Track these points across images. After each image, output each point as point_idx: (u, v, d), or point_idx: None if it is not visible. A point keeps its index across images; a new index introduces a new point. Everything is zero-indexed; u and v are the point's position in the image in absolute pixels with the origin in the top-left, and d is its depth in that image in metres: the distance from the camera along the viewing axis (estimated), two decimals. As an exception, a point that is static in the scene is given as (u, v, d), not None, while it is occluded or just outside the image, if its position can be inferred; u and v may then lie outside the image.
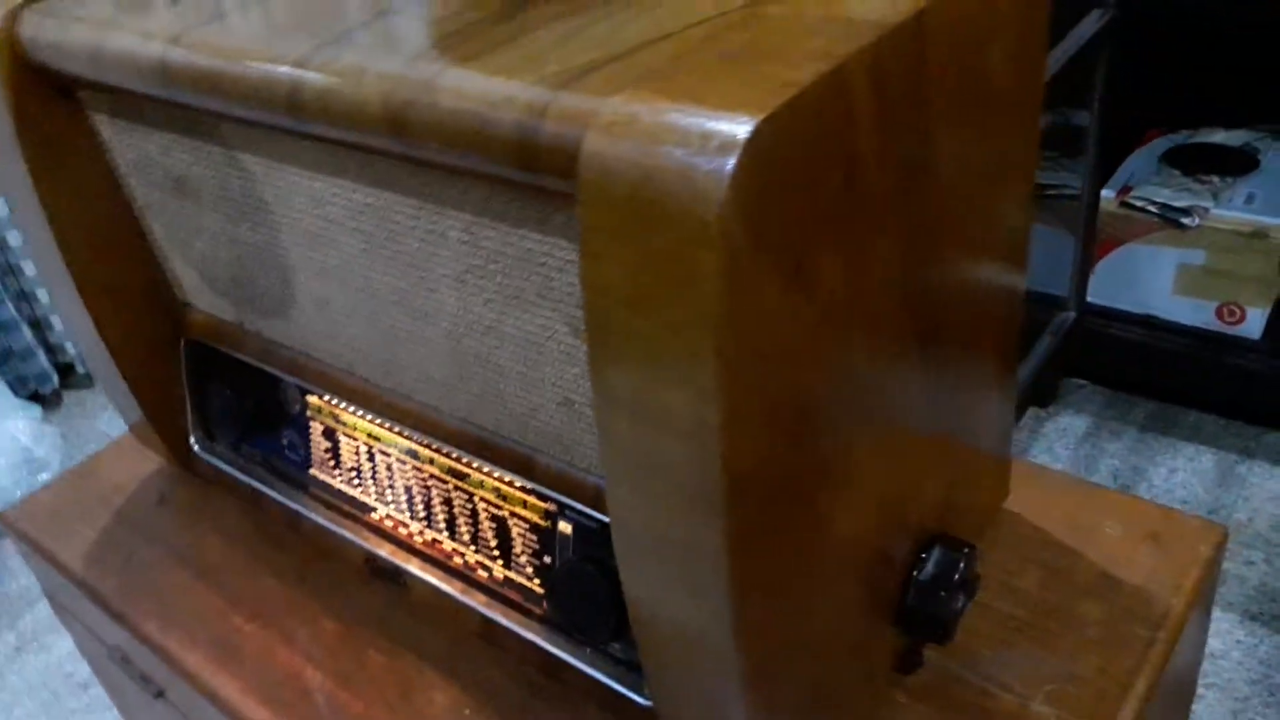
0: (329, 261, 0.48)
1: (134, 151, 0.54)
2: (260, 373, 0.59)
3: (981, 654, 0.50)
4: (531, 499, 0.48)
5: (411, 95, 0.35)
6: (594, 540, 0.46)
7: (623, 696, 0.46)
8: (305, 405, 0.58)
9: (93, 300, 0.58)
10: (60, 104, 0.54)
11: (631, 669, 0.46)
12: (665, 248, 0.28)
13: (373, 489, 0.56)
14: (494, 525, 0.50)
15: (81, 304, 0.58)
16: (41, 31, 0.49)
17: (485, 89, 0.33)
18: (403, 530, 0.55)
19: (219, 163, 0.49)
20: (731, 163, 0.27)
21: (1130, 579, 0.53)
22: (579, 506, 0.46)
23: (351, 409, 0.54)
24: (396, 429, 0.52)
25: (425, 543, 0.55)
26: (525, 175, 0.33)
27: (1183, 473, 1.38)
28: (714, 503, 0.31)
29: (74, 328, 0.61)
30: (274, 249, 0.50)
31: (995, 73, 0.40)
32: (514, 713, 0.51)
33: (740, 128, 0.27)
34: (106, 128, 0.54)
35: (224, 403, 0.62)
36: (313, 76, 0.38)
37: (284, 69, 0.38)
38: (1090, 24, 1.19)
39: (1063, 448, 1.47)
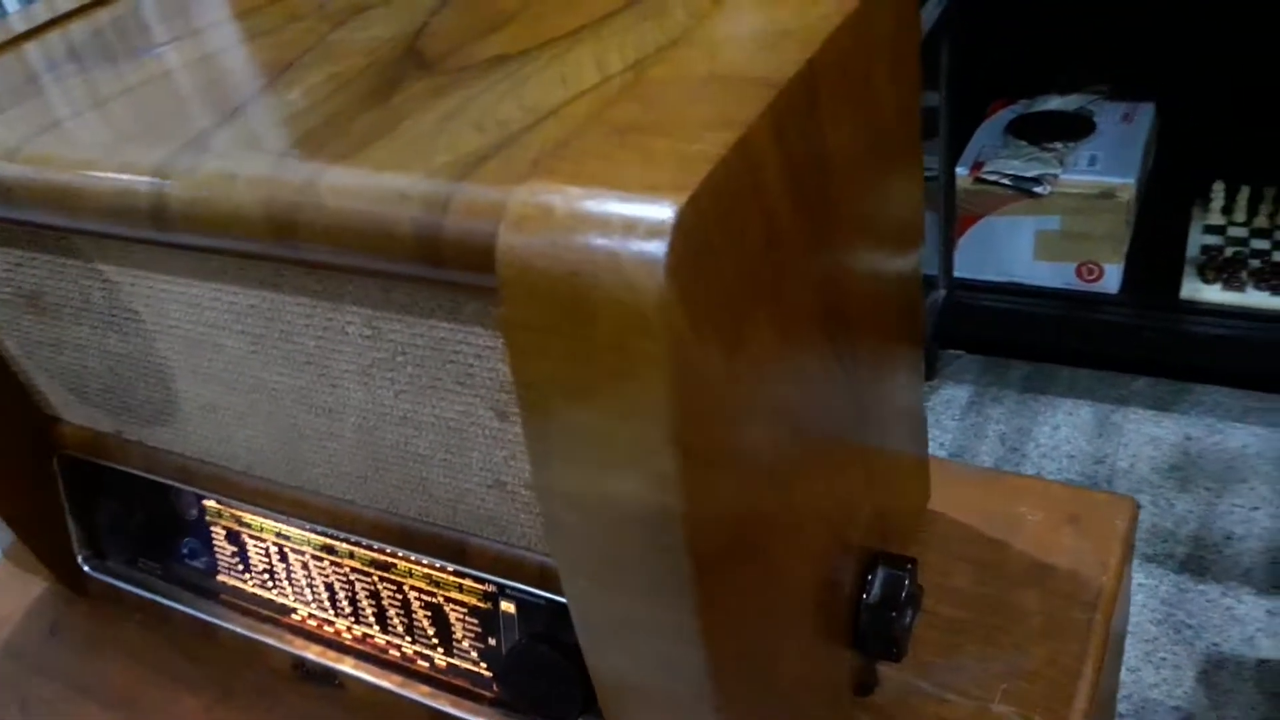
0: (213, 366, 0.45)
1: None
2: (148, 482, 0.55)
3: (933, 663, 0.50)
4: (467, 582, 0.46)
5: (295, 199, 0.32)
6: (541, 617, 0.44)
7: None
8: (203, 510, 0.54)
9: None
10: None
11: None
12: (603, 340, 0.27)
13: (290, 589, 0.53)
14: (429, 614, 0.48)
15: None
16: None
17: (376, 186, 0.31)
18: (329, 629, 0.53)
19: (77, 276, 0.46)
20: (663, 249, 0.26)
21: (1059, 563, 0.54)
22: (520, 585, 0.44)
23: (255, 511, 0.51)
24: (308, 527, 0.50)
25: (356, 638, 0.52)
26: (429, 271, 0.31)
27: (1065, 428, 1.44)
28: (682, 586, 0.30)
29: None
30: (149, 357, 0.47)
31: (880, 95, 0.40)
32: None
33: (664, 211, 0.26)
34: None
35: (111, 517, 0.58)
36: (177, 186, 0.35)
37: (144, 179, 0.36)
38: (932, 9, 1.23)
39: (950, 419, 1.51)
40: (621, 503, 0.30)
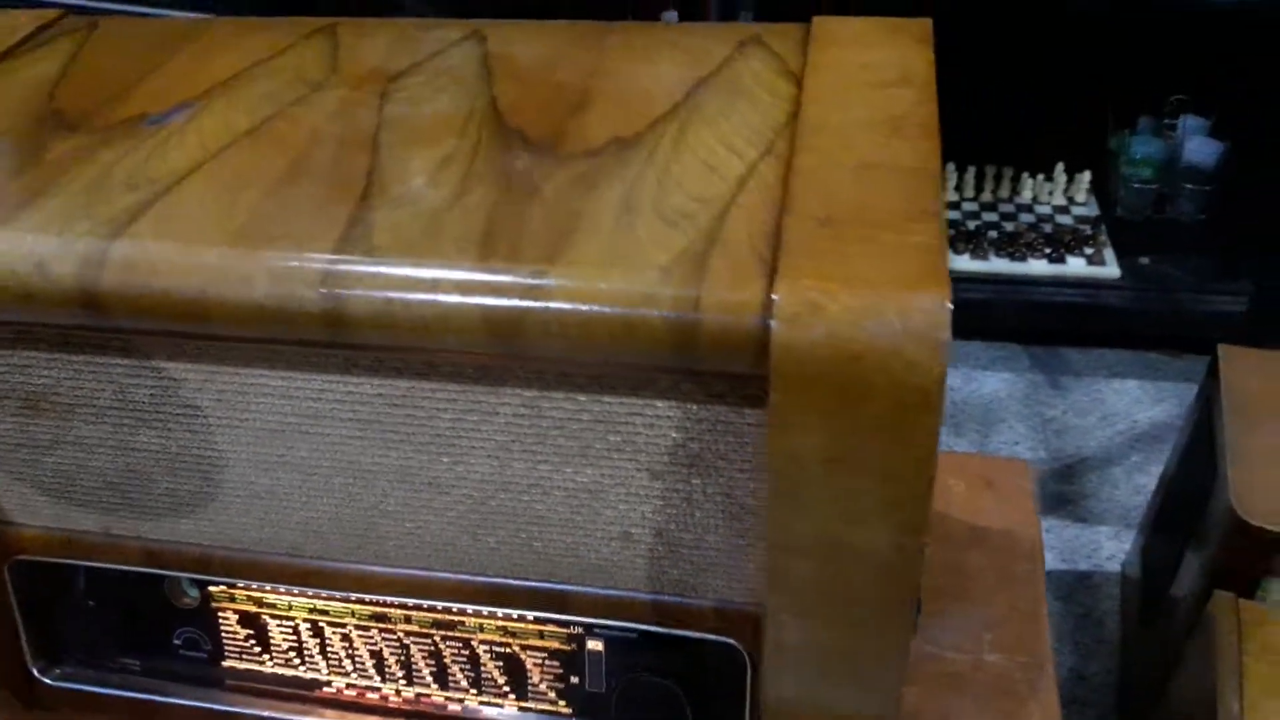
0: (291, 454, 0.43)
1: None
2: (135, 577, 0.51)
3: (924, 625, 0.59)
4: (550, 627, 0.48)
5: (521, 304, 0.34)
6: (637, 650, 0.47)
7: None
8: (207, 597, 0.52)
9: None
10: None
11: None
12: (877, 414, 0.32)
13: (323, 664, 0.52)
14: (500, 664, 0.50)
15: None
16: None
17: (614, 289, 0.33)
18: (372, 695, 0.52)
19: (115, 375, 0.42)
20: (943, 334, 0.31)
21: (990, 524, 0.64)
22: (620, 623, 0.47)
23: (288, 590, 0.50)
24: (363, 599, 0.49)
25: (407, 700, 0.52)
26: (675, 361, 0.34)
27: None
28: (899, 615, 0.36)
29: None
30: (192, 451, 0.45)
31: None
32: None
33: (936, 301, 0.31)
34: None
35: (83, 618, 0.53)
36: (358, 295, 0.35)
37: (311, 292, 0.35)
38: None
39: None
40: (863, 549, 0.34)
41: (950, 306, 0.31)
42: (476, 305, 0.34)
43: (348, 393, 0.40)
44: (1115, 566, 1.22)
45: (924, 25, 0.46)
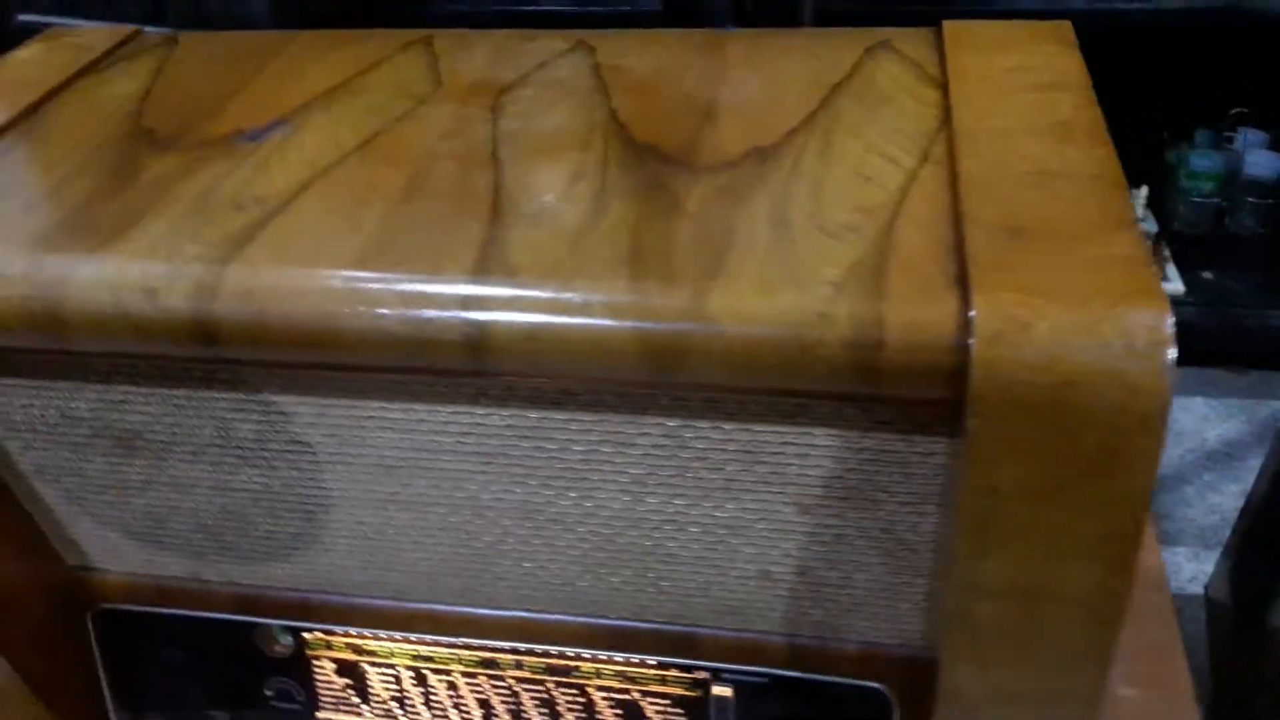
0: (408, 491, 0.41)
1: (30, 413, 0.42)
2: (225, 624, 0.48)
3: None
4: (673, 672, 0.45)
5: (682, 327, 0.31)
6: (769, 696, 0.44)
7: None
8: (302, 645, 0.49)
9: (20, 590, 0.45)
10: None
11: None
12: (1095, 444, 0.28)
13: (425, 715, 0.49)
14: (619, 711, 0.47)
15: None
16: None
17: (782, 308, 0.30)
18: (478, 746, 0.49)
19: (218, 411, 0.40)
20: (1168, 354, 0.27)
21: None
22: (750, 668, 0.44)
23: (388, 636, 0.47)
24: (471, 644, 0.46)
25: (514, 752, 0.49)
26: (852, 386, 0.31)
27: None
28: (1099, 663, 0.32)
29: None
30: (297, 490, 0.42)
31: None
32: None
33: (1158, 319, 0.28)
34: None
35: (168, 669, 0.50)
36: (502, 320, 0.32)
37: (455, 315, 0.32)
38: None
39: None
40: (1064, 592, 0.31)
41: (1173, 323, 0.28)
42: (632, 329, 0.31)
43: (474, 424, 0.38)
44: (1197, 589, 1.18)
45: (1065, 27, 0.43)
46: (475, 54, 0.47)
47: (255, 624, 0.48)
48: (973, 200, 0.33)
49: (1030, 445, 0.29)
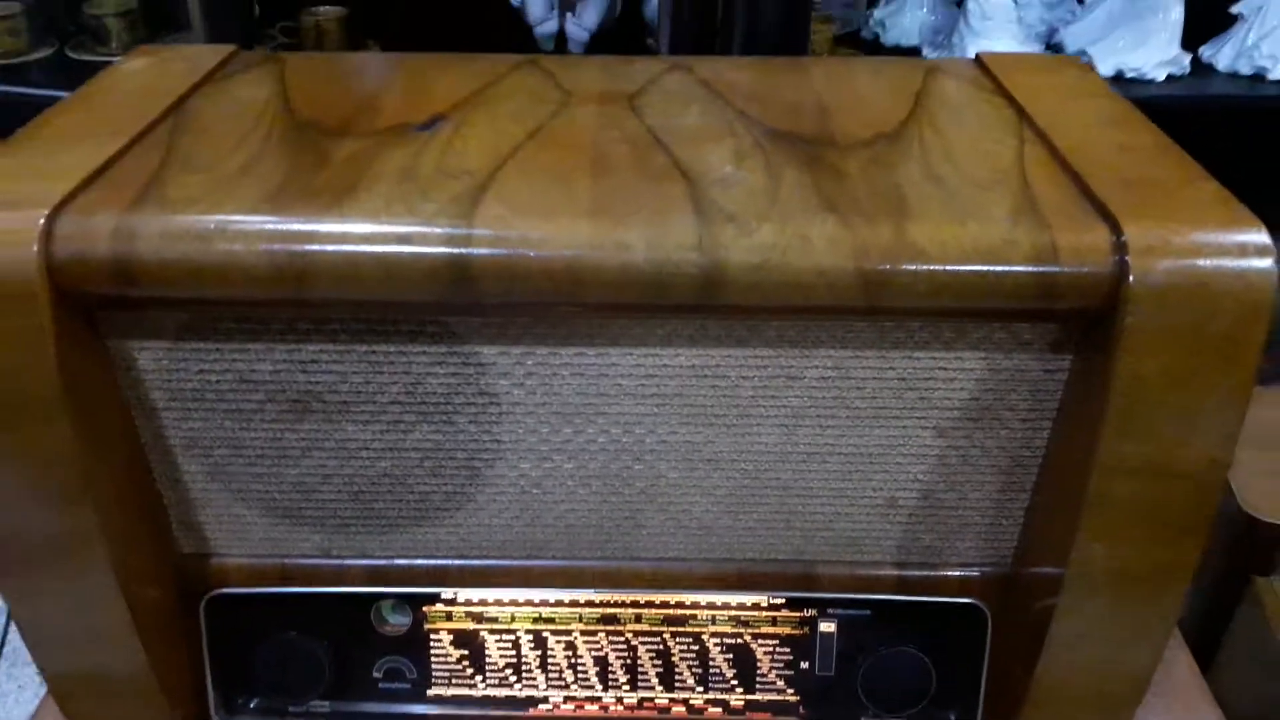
0: (579, 438, 0.45)
1: (204, 379, 0.43)
2: (342, 605, 0.50)
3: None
4: (783, 613, 0.50)
5: (889, 255, 0.37)
6: (869, 627, 0.50)
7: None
8: (420, 620, 0.51)
9: (130, 581, 0.45)
10: (88, 337, 0.42)
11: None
12: (1220, 332, 0.37)
13: (541, 679, 0.52)
14: (730, 656, 0.51)
15: (117, 591, 0.44)
16: (134, 243, 0.38)
17: (976, 238, 0.38)
18: (591, 706, 0.52)
19: (416, 366, 0.43)
20: (1272, 264, 0.36)
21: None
22: (849, 597, 0.49)
23: (510, 600, 0.50)
24: (587, 599, 0.50)
25: (628, 707, 0.52)
26: (1033, 301, 0.38)
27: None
28: (1201, 533, 0.40)
29: (90, 631, 0.46)
30: (468, 445, 0.45)
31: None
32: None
33: (1264, 238, 0.37)
34: (150, 356, 0.43)
35: (276, 657, 0.51)
36: (733, 254, 0.38)
37: (689, 255, 0.38)
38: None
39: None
40: (1184, 468, 0.39)
41: (1271, 241, 0.37)
42: (850, 258, 0.38)
43: (660, 366, 0.43)
44: None
45: (1078, 60, 0.54)
46: (584, 72, 0.53)
47: (376, 600, 0.50)
48: (1080, 164, 0.42)
49: (1171, 337, 0.37)
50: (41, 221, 0.38)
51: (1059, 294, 0.38)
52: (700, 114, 0.48)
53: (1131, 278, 0.37)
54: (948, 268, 0.37)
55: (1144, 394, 0.38)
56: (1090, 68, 0.52)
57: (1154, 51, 1.24)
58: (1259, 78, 1.26)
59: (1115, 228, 0.37)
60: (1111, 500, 0.40)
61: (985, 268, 0.37)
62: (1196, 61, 1.30)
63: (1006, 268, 0.37)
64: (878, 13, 1.37)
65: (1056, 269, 0.37)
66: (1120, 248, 0.37)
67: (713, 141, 0.45)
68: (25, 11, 1.35)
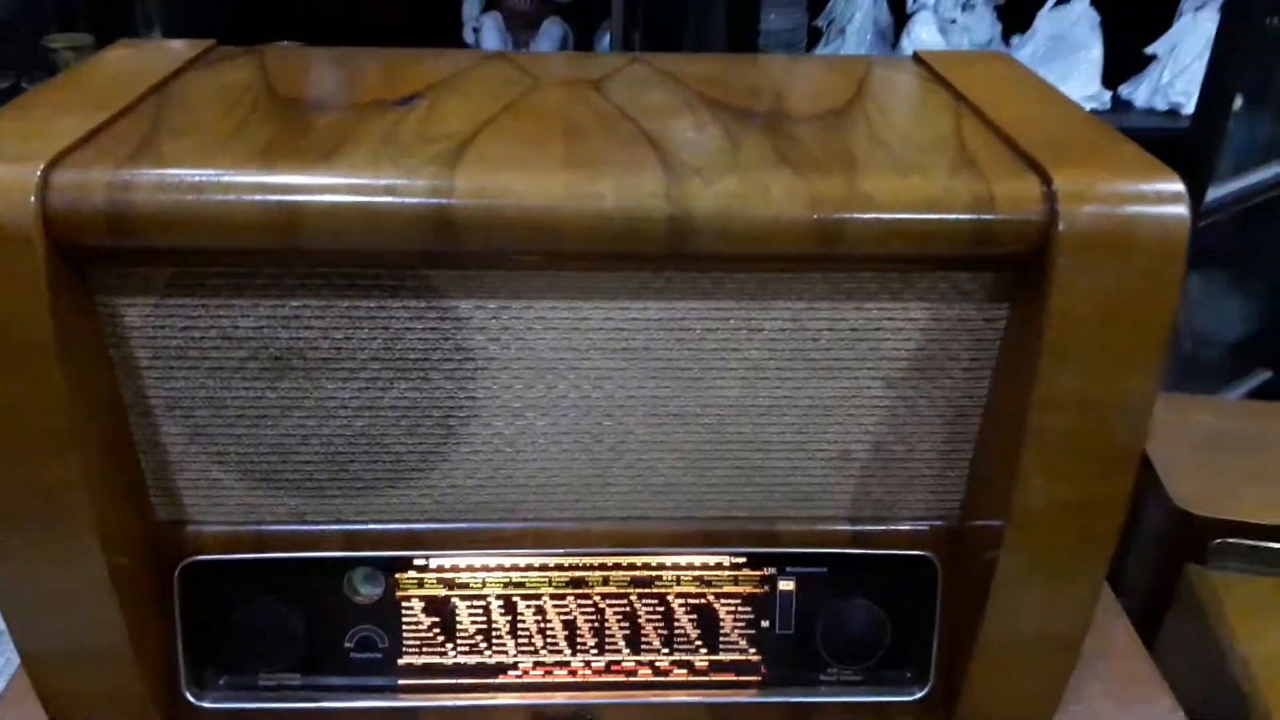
0: (551, 394, 0.47)
1: (189, 336, 0.45)
2: (317, 572, 0.51)
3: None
4: (744, 572, 0.52)
5: (841, 204, 0.41)
6: (827, 582, 0.52)
7: (881, 703, 0.53)
8: (392, 587, 0.52)
9: (108, 547, 0.46)
10: (79, 292, 0.43)
11: (883, 675, 0.53)
12: (1142, 269, 0.40)
13: (511, 645, 0.53)
14: (694, 617, 0.53)
15: (99, 552, 0.45)
16: (126, 195, 0.40)
17: (917, 189, 0.41)
18: (560, 671, 0.54)
19: (396, 321, 0.45)
20: (1184, 208, 0.40)
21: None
22: (808, 551, 0.51)
23: (481, 566, 0.52)
24: (557, 564, 0.52)
25: (596, 671, 0.54)
26: (970, 247, 0.42)
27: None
28: (1129, 453, 0.44)
29: (63, 595, 0.46)
30: (444, 403, 0.47)
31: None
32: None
33: (1179, 185, 0.41)
34: (137, 312, 0.44)
35: (248, 627, 0.52)
36: (701, 204, 0.41)
37: (661, 203, 0.41)
38: None
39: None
40: (1114, 399, 0.42)
41: (1185, 189, 0.41)
42: (804, 206, 0.41)
43: (630, 320, 0.45)
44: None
45: (1005, 55, 0.58)
46: (551, 63, 0.57)
47: (350, 567, 0.51)
48: (1013, 131, 0.46)
49: (1098, 276, 0.41)
50: (39, 173, 0.40)
51: (995, 240, 0.41)
52: (662, 95, 0.52)
53: (1061, 223, 0.40)
54: (895, 215, 0.41)
55: (1074, 330, 0.41)
56: (1018, 62, 0.57)
57: (1076, 87, 1.31)
58: (1174, 113, 1.34)
59: (1045, 178, 0.41)
60: (1049, 434, 0.43)
61: (929, 216, 0.41)
62: (1116, 99, 1.38)
63: (948, 215, 0.41)
64: (819, 52, 1.44)
65: (993, 216, 0.41)
66: (1050, 196, 0.41)
67: (675, 116, 0.48)
68: (-16, 44, 1.36)
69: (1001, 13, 1.40)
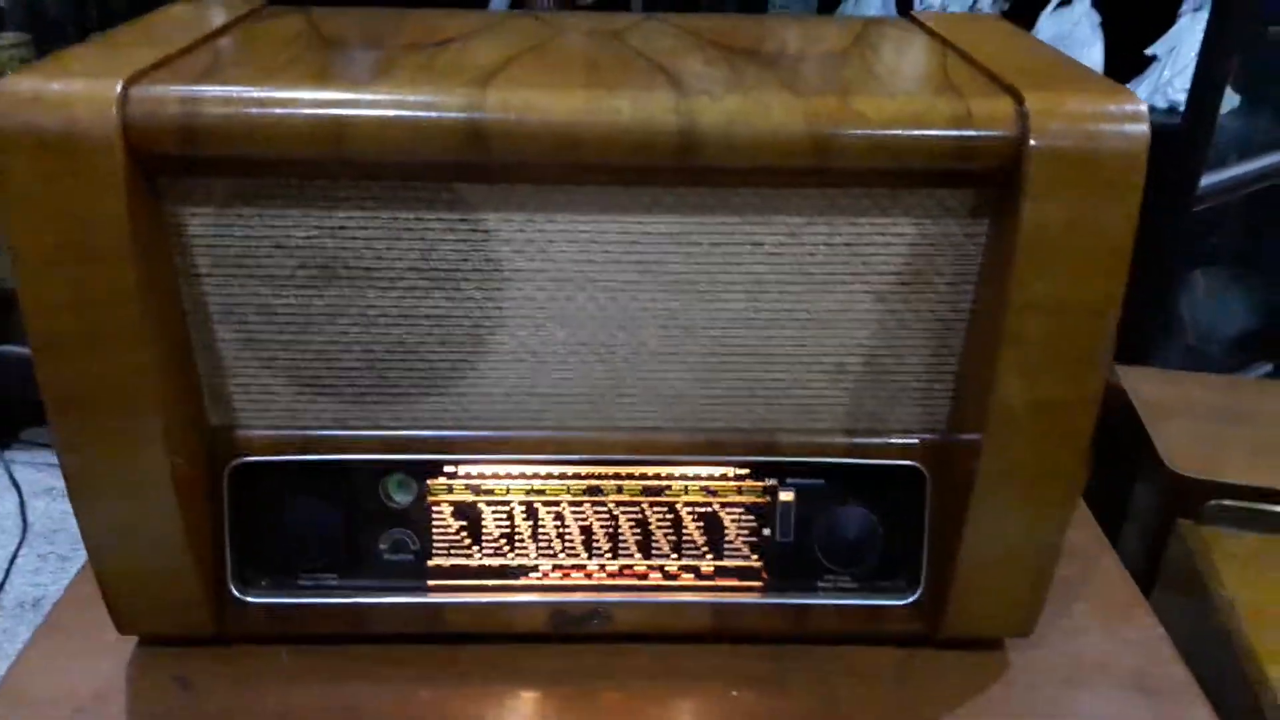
0: (571, 305, 0.51)
1: (245, 246, 0.50)
2: (355, 477, 0.56)
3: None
4: (747, 482, 0.57)
5: (833, 119, 0.45)
6: (824, 493, 0.56)
7: (874, 607, 0.57)
8: (423, 493, 0.57)
9: (170, 443, 0.50)
10: (150, 201, 0.48)
11: (876, 581, 0.57)
12: (1105, 180, 0.45)
13: (532, 549, 0.57)
14: (700, 524, 0.57)
15: (162, 443, 0.50)
16: (202, 109, 0.45)
17: (906, 107, 0.46)
18: (577, 575, 0.58)
19: (431, 233, 0.50)
20: (1145, 127, 0.45)
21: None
22: (807, 463, 0.56)
23: (506, 473, 0.56)
24: (575, 472, 0.56)
25: (610, 574, 0.58)
26: (951, 161, 0.46)
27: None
28: (1097, 354, 0.48)
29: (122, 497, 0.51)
30: (474, 314, 0.52)
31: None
32: (770, 685, 0.57)
33: (1139, 104, 0.45)
34: (200, 221, 0.49)
35: (295, 527, 0.56)
36: (709, 116, 0.45)
37: (669, 115, 0.45)
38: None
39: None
40: (1084, 301, 0.47)
41: (1145, 108, 0.45)
42: (802, 121, 0.45)
43: (643, 233, 0.50)
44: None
45: (997, 16, 0.63)
46: (575, 18, 0.62)
47: (385, 472, 0.56)
48: (992, 67, 0.50)
49: (1067, 186, 0.45)
50: (119, 88, 0.45)
51: (974, 155, 0.46)
52: (674, 41, 0.57)
53: (1032, 138, 0.45)
54: (883, 131, 0.45)
55: (1046, 237, 0.46)
56: (1008, 23, 0.61)
57: (1079, 85, 1.36)
58: (1173, 110, 1.39)
59: (1019, 99, 0.46)
60: (1024, 336, 0.48)
61: (913, 131, 0.45)
62: (1118, 98, 1.42)
63: (930, 131, 0.45)
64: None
65: (971, 132, 0.45)
66: (1023, 115, 0.45)
67: (686, 55, 0.53)
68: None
69: (1004, 15, 1.45)
